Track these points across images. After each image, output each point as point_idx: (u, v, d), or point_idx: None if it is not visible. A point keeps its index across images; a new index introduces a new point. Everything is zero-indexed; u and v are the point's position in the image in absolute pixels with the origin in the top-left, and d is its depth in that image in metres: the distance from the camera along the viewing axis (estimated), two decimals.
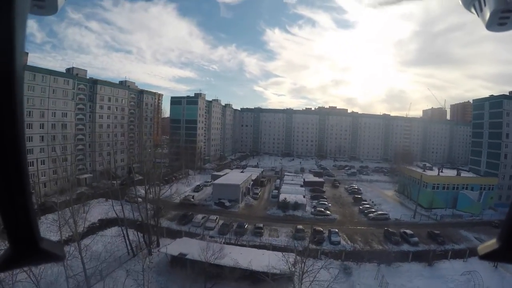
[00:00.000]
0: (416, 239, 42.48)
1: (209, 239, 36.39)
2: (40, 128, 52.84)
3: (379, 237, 43.08)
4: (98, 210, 42.72)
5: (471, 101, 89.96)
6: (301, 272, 26.36)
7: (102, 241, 34.67)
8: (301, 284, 25.95)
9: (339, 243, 40.67)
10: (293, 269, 27.69)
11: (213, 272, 29.39)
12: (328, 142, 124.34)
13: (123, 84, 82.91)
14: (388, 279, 32.16)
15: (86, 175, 61.61)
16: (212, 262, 28.80)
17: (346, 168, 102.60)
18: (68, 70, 65.11)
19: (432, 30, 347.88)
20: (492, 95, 72.21)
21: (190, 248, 32.04)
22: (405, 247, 40.84)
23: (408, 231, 44.47)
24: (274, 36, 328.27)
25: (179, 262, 31.38)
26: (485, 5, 0.88)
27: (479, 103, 74.84)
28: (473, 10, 0.94)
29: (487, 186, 60.07)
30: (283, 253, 30.15)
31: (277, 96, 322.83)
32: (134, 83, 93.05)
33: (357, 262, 35.93)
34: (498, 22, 0.88)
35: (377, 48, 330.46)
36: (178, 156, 77.69)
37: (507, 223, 0.81)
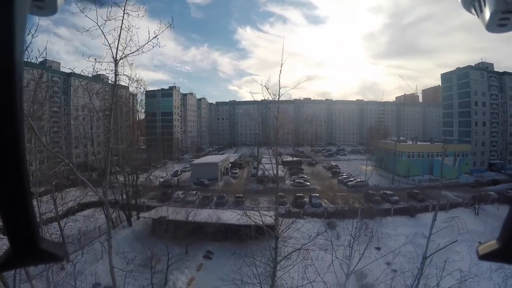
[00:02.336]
0: (396, 197, 42.77)
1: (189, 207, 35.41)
2: None
3: (359, 199, 42.84)
4: (77, 196, 41.02)
5: None
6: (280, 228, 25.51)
7: (81, 220, 33.15)
8: (278, 240, 25.11)
9: (320, 205, 40.30)
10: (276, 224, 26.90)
11: (195, 233, 28.42)
12: (304, 130, 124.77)
13: (97, 78, 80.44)
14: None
15: (62, 168, 59.04)
16: (192, 220, 27.90)
17: (323, 151, 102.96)
18: (41, 62, 62.52)
19: (402, 22, 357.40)
20: (458, 67, 74.32)
21: (171, 214, 30.96)
22: (386, 205, 40.88)
23: (388, 192, 44.78)
24: (246, 35, 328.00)
25: (160, 227, 30.11)
26: (485, 5, 0.85)
27: (447, 76, 76.80)
28: (473, 10, 0.92)
29: (461, 153, 61.52)
30: (264, 211, 29.39)
31: (251, 95, 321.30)
32: (108, 77, 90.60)
33: (340, 219, 35.50)
34: (498, 23, 0.85)
35: (349, 42, 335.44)
36: (155, 148, 76.10)
37: (507, 223, 0.79)
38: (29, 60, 11.53)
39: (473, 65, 72.23)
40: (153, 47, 10.39)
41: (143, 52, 10.32)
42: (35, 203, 26.28)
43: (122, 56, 10.28)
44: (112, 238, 27.23)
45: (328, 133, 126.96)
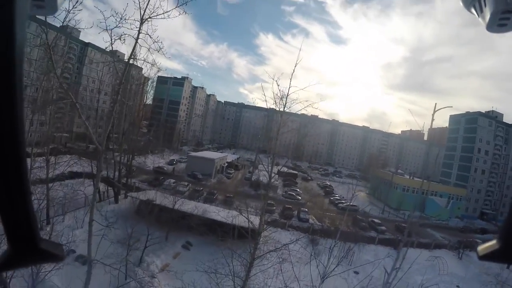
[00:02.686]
0: (383, 227, 42.68)
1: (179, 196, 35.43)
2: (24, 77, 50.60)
3: (347, 222, 42.65)
4: (70, 164, 41.10)
5: None
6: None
7: (69, 187, 33.09)
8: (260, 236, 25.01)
9: (307, 220, 40.25)
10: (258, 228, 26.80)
11: (178, 222, 28.44)
12: (306, 145, 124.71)
13: (113, 53, 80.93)
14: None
15: (62, 134, 59.29)
16: (178, 209, 27.91)
17: (320, 169, 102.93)
18: (61, 27, 62.95)
19: (422, 58, 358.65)
20: (468, 111, 74.50)
21: (159, 198, 30.96)
22: (373, 233, 40.77)
23: (376, 220, 44.70)
24: (267, 41, 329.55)
25: (145, 209, 30.13)
26: (485, 5, 0.86)
27: (456, 118, 76.98)
28: (473, 10, 0.93)
29: (455, 196, 61.42)
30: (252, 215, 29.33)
31: (261, 102, 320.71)
32: (124, 54, 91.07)
33: (324, 238, 35.38)
34: (498, 23, 0.86)
35: (366, 68, 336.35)
36: (156, 134, 76.23)
37: (507, 223, 0.80)
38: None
39: (483, 112, 72.47)
40: (179, 14, 10.75)
41: (168, 17, 10.59)
42: (28, 161, 26.41)
43: (147, 18, 10.56)
44: (97, 210, 27.45)
45: (328, 153, 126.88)
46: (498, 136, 69.93)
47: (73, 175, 38.98)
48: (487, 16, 0.86)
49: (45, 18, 9.95)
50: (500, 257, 0.83)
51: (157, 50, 11.54)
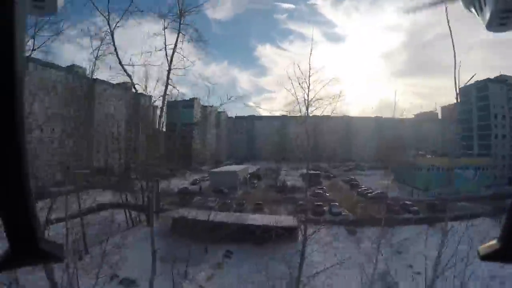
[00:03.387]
0: (416, 208, 42.95)
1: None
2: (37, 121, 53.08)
3: (379, 209, 43.16)
4: (96, 197, 42.57)
5: None
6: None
7: (100, 218, 34.50)
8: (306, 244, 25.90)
9: (340, 213, 40.83)
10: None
11: (214, 234, 29.50)
12: (322, 146, 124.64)
13: (121, 85, 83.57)
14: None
15: (83, 171, 61.42)
16: (213, 220, 29.03)
17: (341, 167, 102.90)
18: (68, 67, 65.70)
19: (420, 41, 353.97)
20: (477, 80, 74.05)
21: (191, 215, 32.17)
22: (406, 215, 41.15)
23: (407, 202, 44.94)
24: (266, 52, 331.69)
25: (180, 227, 31.34)
26: (485, 5, 0.86)
27: (466, 89, 76.39)
28: (473, 10, 0.93)
29: (481, 167, 61.02)
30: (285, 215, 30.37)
31: (269, 113, 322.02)
32: (131, 83, 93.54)
33: (359, 227, 36.03)
34: (498, 22, 0.86)
35: (367, 61, 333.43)
36: (174, 158, 77.75)
37: (507, 223, 0.82)
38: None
39: (492, 78, 72.09)
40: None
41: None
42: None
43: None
44: (132, 235, 28.95)
45: (346, 150, 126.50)
46: (511, 99, 69.32)
47: (102, 207, 40.58)
48: (487, 15, 0.85)
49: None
50: (501, 257, 0.84)
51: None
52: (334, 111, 20.87)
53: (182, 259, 25.55)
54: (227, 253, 29.58)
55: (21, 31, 0.71)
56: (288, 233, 28.78)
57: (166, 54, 13.02)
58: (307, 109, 15.22)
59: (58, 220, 23.27)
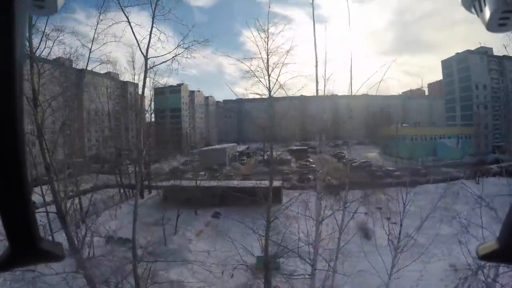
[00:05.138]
0: (398, 173, 44.23)
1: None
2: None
3: (363, 176, 44.45)
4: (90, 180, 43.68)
5: None
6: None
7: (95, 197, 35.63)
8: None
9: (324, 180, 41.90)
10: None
11: (204, 199, 30.50)
12: (311, 126, 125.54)
13: (108, 75, 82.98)
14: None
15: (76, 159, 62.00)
16: (202, 185, 29.95)
17: (329, 143, 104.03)
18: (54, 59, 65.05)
19: (406, 19, 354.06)
20: (457, 52, 75.26)
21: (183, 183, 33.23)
22: (389, 180, 42.36)
23: (390, 168, 46.26)
24: (251, 37, 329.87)
25: (171, 196, 32.34)
26: (485, 5, 0.84)
27: (447, 62, 77.75)
28: (473, 10, 0.91)
29: (463, 135, 62.60)
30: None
31: (258, 97, 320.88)
32: (118, 74, 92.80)
33: (342, 190, 37.07)
34: (498, 23, 0.84)
35: (354, 40, 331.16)
36: (164, 144, 78.29)
37: (506, 223, 0.81)
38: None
39: (472, 50, 73.24)
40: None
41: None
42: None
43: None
44: (125, 205, 29.88)
45: (334, 129, 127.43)
46: (492, 70, 70.39)
47: (96, 188, 41.52)
48: (487, 15, 0.82)
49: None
50: (500, 258, 0.84)
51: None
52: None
53: (173, 221, 26.91)
54: (216, 214, 30.96)
55: (21, 31, 0.71)
56: (273, 194, 29.65)
57: (139, 44, 14.00)
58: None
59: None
